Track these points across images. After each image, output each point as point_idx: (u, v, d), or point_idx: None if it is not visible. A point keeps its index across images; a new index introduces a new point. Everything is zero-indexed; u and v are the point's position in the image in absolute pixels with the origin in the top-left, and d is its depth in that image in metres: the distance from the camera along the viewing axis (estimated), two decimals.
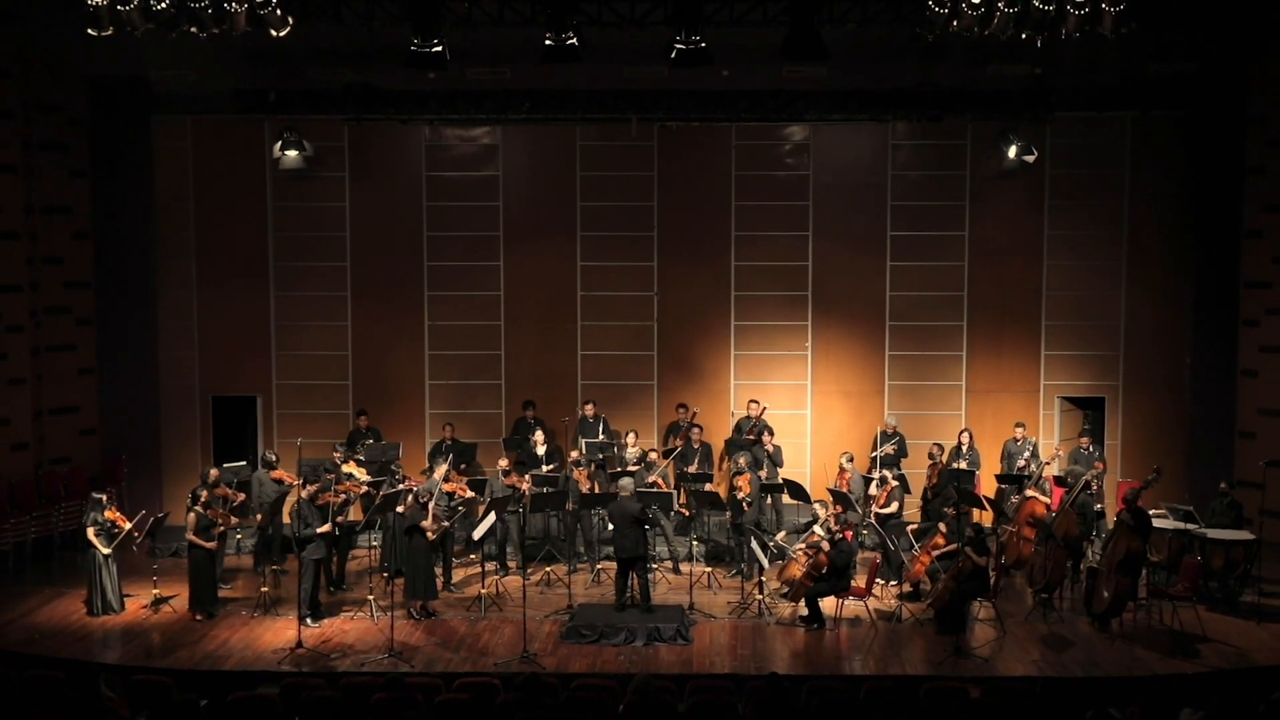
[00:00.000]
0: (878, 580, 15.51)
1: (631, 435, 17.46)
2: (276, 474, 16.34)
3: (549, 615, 14.96)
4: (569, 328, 18.73)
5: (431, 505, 15.00)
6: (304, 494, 14.87)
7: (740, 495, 16.00)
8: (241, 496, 16.43)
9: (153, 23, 14.31)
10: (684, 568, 16.56)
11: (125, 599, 15.42)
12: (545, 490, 16.14)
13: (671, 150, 18.26)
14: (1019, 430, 17.48)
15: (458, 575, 16.12)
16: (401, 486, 15.59)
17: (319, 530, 14.66)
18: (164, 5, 14.08)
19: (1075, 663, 13.68)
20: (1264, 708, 10.75)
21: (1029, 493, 16.44)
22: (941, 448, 17.47)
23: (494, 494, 15.64)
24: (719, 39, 15.10)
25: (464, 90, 17.38)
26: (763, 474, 16.56)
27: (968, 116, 17.95)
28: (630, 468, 16.42)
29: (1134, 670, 13.48)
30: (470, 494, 15.91)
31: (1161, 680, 13.22)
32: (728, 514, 16.74)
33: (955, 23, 14.45)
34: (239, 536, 17.20)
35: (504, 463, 16.40)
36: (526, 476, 16.30)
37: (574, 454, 16.61)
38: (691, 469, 17.08)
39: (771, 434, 17.29)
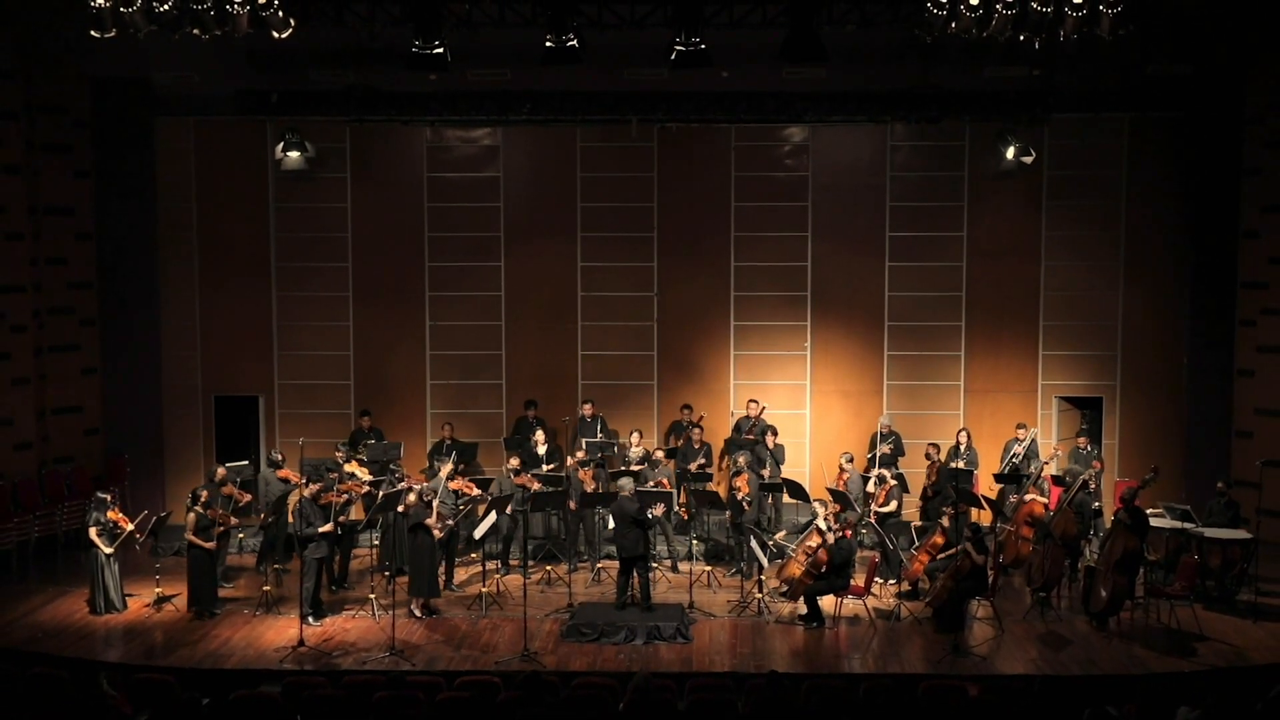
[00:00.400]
0: (876, 579, 15.53)
1: (635, 435, 17.45)
2: (283, 473, 16.35)
3: (550, 614, 14.98)
4: (569, 328, 18.76)
5: (436, 504, 15.03)
6: (306, 493, 14.90)
7: (740, 495, 16.02)
8: (248, 497, 16.46)
9: (155, 24, 14.30)
10: (683, 566, 16.56)
11: (127, 598, 15.44)
12: (546, 490, 16.17)
13: (671, 151, 18.24)
14: (1020, 431, 17.48)
15: (460, 574, 16.13)
16: (401, 486, 15.60)
17: (321, 529, 14.70)
18: (166, 7, 14.08)
19: (1073, 661, 13.72)
20: (1261, 706, 10.80)
21: (1029, 495, 16.47)
22: (938, 447, 17.48)
23: (503, 493, 15.66)
24: (719, 40, 15.12)
25: (465, 91, 17.36)
26: (765, 473, 16.57)
27: (966, 118, 17.95)
28: (634, 467, 16.44)
29: (1131, 669, 13.51)
30: (477, 492, 15.92)
31: (1159, 679, 13.25)
32: (727, 513, 16.76)
33: (954, 24, 14.48)
34: (241, 536, 17.24)
35: (515, 462, 16.39)
36: (528, 475, 16.32)
37: (580, 454, 16.62)
38: (693, 468, 17.10)
39: (775, 434, 17.28)
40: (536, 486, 16.24)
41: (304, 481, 15.77)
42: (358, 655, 13.94)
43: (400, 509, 15.58)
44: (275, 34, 14.78)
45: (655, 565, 16.47)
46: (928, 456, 17.60)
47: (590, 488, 16.63)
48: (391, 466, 17.11)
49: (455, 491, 15.92)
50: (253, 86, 17.51)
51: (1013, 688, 12.11)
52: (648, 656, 14.08)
